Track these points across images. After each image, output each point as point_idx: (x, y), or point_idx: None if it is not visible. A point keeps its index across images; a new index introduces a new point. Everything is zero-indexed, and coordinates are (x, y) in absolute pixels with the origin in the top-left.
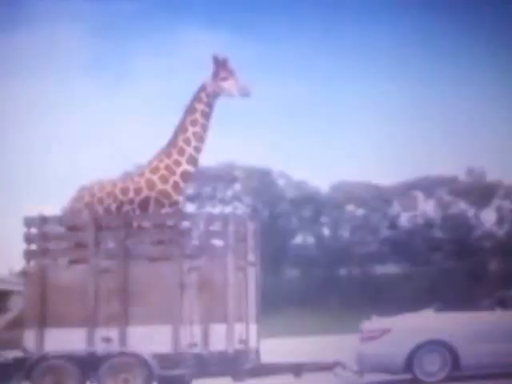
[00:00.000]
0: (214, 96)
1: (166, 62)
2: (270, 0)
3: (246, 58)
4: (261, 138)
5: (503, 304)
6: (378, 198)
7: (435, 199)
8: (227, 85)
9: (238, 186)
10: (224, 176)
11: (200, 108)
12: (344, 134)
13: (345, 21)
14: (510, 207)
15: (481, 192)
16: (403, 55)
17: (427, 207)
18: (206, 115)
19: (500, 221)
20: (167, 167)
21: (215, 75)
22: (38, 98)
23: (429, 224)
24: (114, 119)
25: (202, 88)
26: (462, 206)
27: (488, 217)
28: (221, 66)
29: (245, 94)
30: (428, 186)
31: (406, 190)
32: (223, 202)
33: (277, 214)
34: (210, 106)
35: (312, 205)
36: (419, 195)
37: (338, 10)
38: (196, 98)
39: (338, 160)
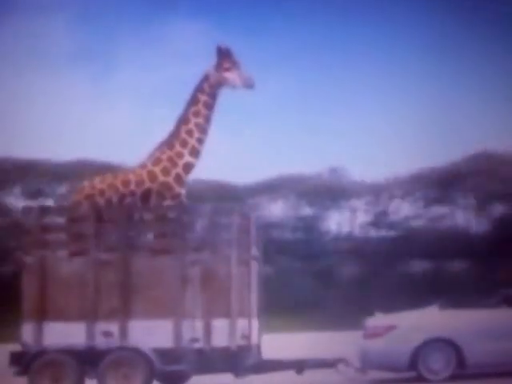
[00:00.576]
0: (217, 86)
1: (152, 52)
2: None
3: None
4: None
5: (509, 301)
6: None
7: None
8: (231, 75)
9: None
10: None
11: (203, 99)
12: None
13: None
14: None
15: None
16: (407, 52)
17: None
18: (209, 106)
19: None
20: (169, 159)
21: (219, 65)
22: (23, 89)
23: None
24: (101, 109)
25: (205, 78)
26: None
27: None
28: (224, 56)
29: (248, 85)
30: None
31: None
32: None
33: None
34: (213, 96)
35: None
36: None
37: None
38: (199, 89)
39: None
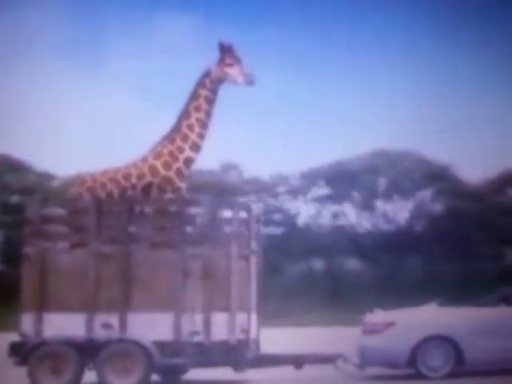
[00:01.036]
0: (218, 82)
1: (140, 45)
2: None
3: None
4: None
5: (507, 300)
6: None
7: None
8: (232, 71)
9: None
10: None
11: (204, 94)
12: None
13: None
14: None
15: None
16: (416, 51)
17: None
18: (210, 101)
19: None
20: (170, 153)
21: (221, 61)
22: (12, 82)
23: None
24: (90, 103)
25: (206, 74)
26: None
27: None
28: (226, 52)
29: (250, 81)
30: None
31: None
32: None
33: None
34: (214, 92)
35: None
36: None
37: None
38: (200, 84)
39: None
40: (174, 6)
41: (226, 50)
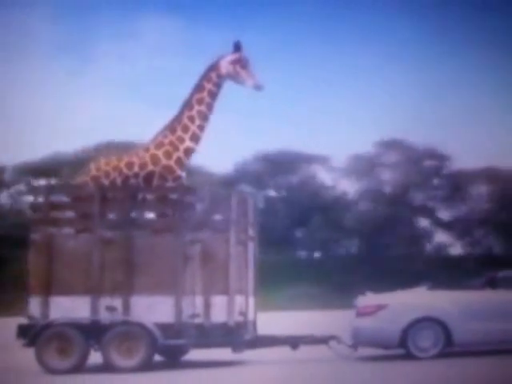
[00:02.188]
0: (225, 78)
1: (127, 46)
2: None
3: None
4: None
5: (493, 284)
6: None
7: None
8: (244, 73)
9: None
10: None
11: (208, 87)
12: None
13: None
14: None
15: None
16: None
17: None
18: (213, 95)
19: None
20: (171, 143)
21: (235, 60)
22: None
23: None
24: (79, 102)
25: (213, 68)
26: None
27: None
28: (241, 53)
29: (258, 87)
30: None
31: None
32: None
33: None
34: (218, 86)
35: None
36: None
37: None
38: (205, 77)
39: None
40: (161, 8)
41: (240, 50)
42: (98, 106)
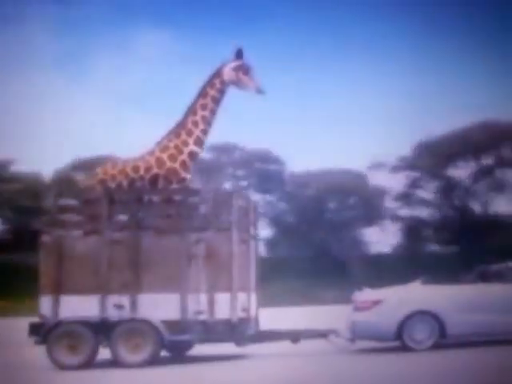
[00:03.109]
0: (228, 84)
1: (121, 59)
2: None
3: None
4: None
5: (484, 278)
6: None
7: None
8: (247, 79)
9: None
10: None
11: (211, 93)
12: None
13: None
14: None
15: None
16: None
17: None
18: (217, 101)
19: None
20: (176, 147)
21: (238, 67)
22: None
23: None
24: (74, 115)
25: (217, 75)
26: None
27: None
28: (243, 59)
29: (260, 91)
30: None
31: None
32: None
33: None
34: (221, 92)
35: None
36: None
37: None
38: (209, 84)
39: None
40: (157, 21)
41: (243, 58)
42: (95, 117)
